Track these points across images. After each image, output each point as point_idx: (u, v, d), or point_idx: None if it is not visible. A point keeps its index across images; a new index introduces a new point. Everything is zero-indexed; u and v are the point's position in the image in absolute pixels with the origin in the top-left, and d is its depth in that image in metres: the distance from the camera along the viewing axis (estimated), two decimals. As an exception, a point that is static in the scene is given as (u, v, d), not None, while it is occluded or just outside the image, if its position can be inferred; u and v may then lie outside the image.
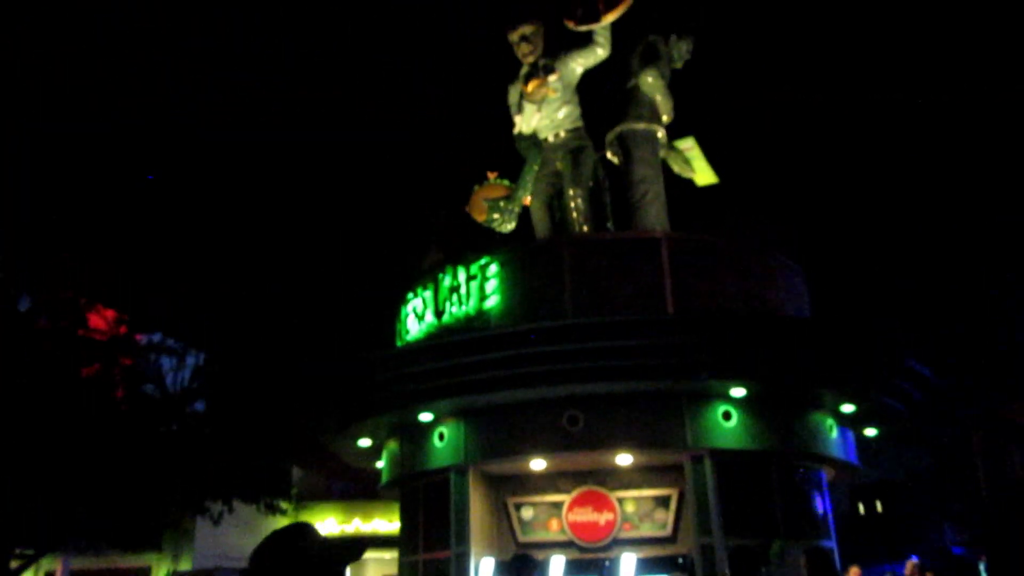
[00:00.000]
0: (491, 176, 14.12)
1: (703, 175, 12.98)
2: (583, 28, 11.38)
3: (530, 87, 11.50)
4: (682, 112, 12.83)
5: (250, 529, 19.89)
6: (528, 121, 11.88)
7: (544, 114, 11.82)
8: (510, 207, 12.65)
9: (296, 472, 23.98)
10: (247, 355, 18.09)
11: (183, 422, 17.55)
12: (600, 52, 11.57)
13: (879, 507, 40.22)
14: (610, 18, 11.17)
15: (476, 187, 14.02)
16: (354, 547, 2.70)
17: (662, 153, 12.65)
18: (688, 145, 12.81)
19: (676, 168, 12.87)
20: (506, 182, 13.72)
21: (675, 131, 12.97)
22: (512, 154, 13.04)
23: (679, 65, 12.80)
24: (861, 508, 41.01)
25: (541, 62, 11.69)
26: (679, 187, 13.24)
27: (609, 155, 12.71)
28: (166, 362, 19.02)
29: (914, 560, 11.27)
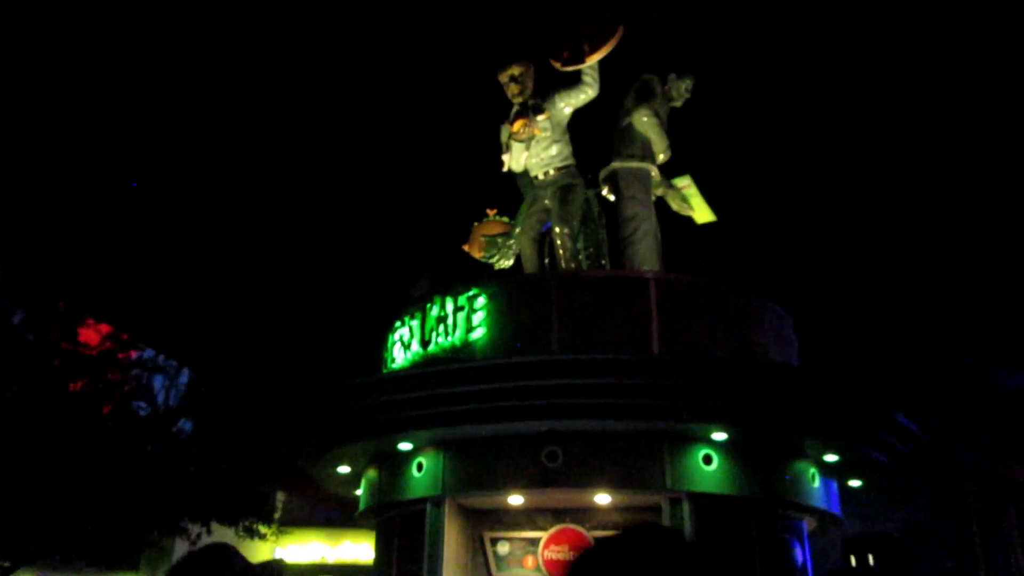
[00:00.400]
0: (490, 213, 14.25)
1: (701, 213, 12.98)
2: (569, 69, 11.55)
3: (516, 126, 11.66)
4: (680, 144, 12.88)
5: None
6: (517, 160, 12.03)
7: (533, 153, 11.95)
8: (508, 243, 12.77)
9: (282, 497, 23.81)
10: (233, 376, 18.06)
11: (167, 441, 17.47)
12: (589, 92, 11.72)
13: (871, 561, 39.68)
14: (595, 58, 11.35)
15: (475, 224, 14.15)
16: (273, 570, 2.68)
17: (660, 191, 12.70)
18: (685, 183, 12.85)
19: (675, 206, 12.90)
20: (505, 219, 13.86)
21: (674, 166, 12.99)
22: (513, 189, 13.14)
23: (679, 104, 12.90)
24: (853, 561, 40.48)
25: (530, 102, 11.84)
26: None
27: (604, 192, 12.78)
28: (159, 380, 19.00)
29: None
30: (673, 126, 13.00)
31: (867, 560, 40.50)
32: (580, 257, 12.51)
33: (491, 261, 13.36)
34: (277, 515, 23.61)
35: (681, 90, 12.76)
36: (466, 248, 13.93)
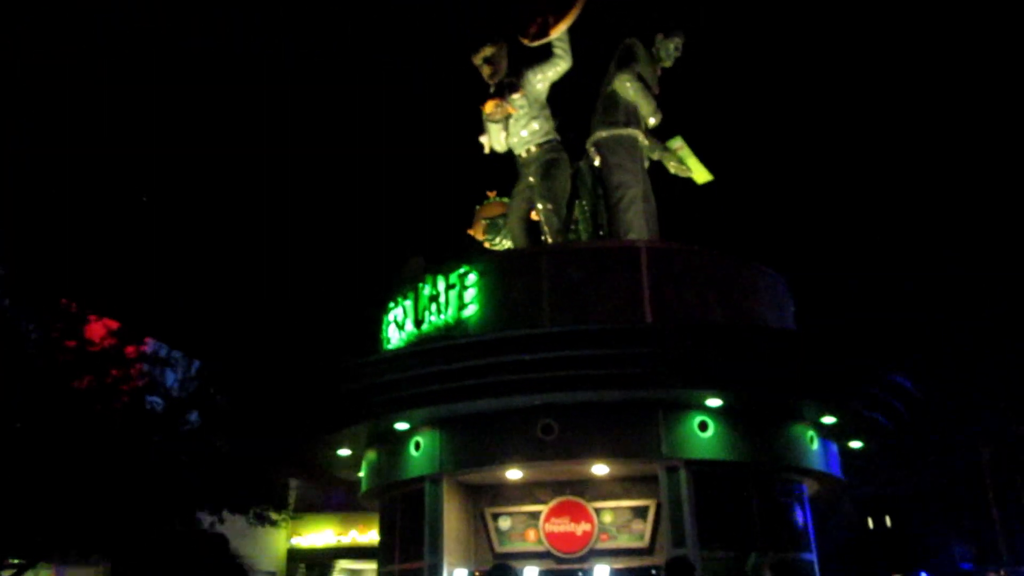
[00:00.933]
0: (491, 195, 14.22)
1: (699, 173, 12.80)
2: (537, 43, 11.52)
3: (488, 107, 11.69)
4: (675, 109, 12.69)
5: (243, 539, 19.87)
6: (495, 140, 12.05)
7: (513, 132, 11.96)
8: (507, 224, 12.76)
9: (295, 483, 23.98)
10: (238, 363, 18.13)
11: (175, 434, 17.54)
12: (561, 64, 11.69)
13: (888, 522, 39.77)
14: (560, 29, 11.35)
15: (477, 207, 14.12)
16: None
17: (656, 155, 12.58)
18: (678, 144, 12.68)
19: (672, 169, 12.72)
20: (506, 199, 13.81)
21: (670, 129, 12.84)
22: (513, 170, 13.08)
23: (668, 63, 12.71)
24: (870, 522, 40.60)
25: (505, 81, 11.81)
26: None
27: (597, 163, 12.67)
28: (171, 376, 19.10)
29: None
30: (666, 87, 12.83)
31: (884, 522, 40.69)
32: (580, 228, 12.47)
33: (494, 244, 13.35)
34: (291, 502, 23.80)
35: (670, 49, 12.55)
36: (470, 232, 13.93)
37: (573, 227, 12.74)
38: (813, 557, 10.48)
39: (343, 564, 23.03)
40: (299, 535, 23.47)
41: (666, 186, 13.03)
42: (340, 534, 23.10)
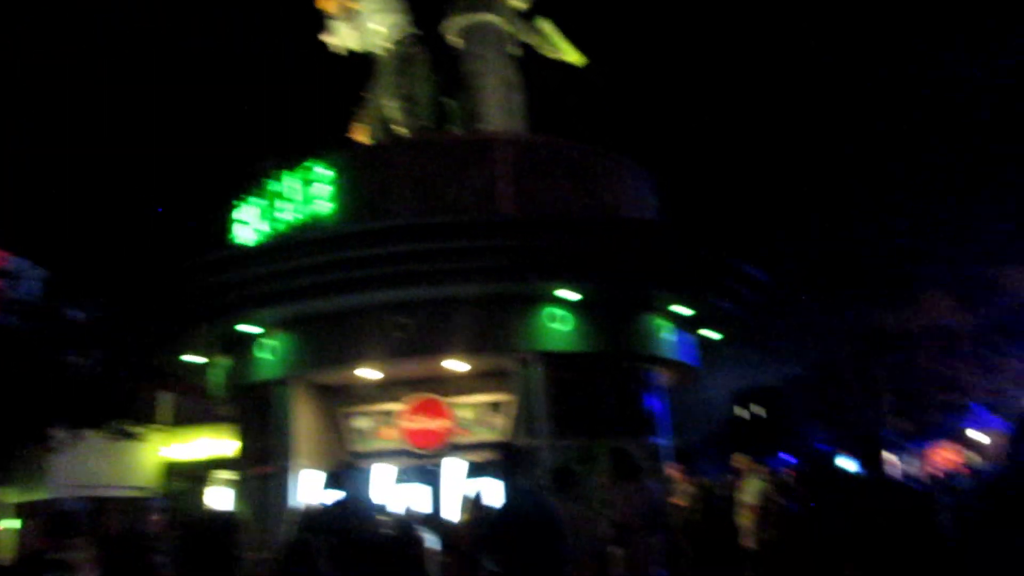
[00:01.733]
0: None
1: (571, 55, 12.44)
2: None
3: (323, 3, 11.04)
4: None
5: (110, 455, 19.16)
6: (345, 38, 11.36)
7: (364, 29, 11.30)
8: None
9: (170, 396, 23.14)
10: (90, 274, 17.03)
11: (30, 351, 16.46)
12: None
13: (758, 411, 42.69)
14: None
15: (354, 109, 13.34)
16: None
17: (531, 40, 12.10)
18: (545, 25, 12.27)
19: (546, 51, 12.30)
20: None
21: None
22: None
23: None
24: (746, 413, 43.51)
25: None
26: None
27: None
28: (32, 288, 17.76)
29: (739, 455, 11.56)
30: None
31: (751, 411, 43.62)
32: (454, 122, 12.01)
33: None
34: (170, 416, 23.00)
35: None
36: (352, 136, 13.24)
37: (455, 123, 12.27)
38: (666, 442, 10.83)
39: (222, 474, 22.60)
40: (171, 447, 22.82)
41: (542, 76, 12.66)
42: (219, 444, 22.55)
